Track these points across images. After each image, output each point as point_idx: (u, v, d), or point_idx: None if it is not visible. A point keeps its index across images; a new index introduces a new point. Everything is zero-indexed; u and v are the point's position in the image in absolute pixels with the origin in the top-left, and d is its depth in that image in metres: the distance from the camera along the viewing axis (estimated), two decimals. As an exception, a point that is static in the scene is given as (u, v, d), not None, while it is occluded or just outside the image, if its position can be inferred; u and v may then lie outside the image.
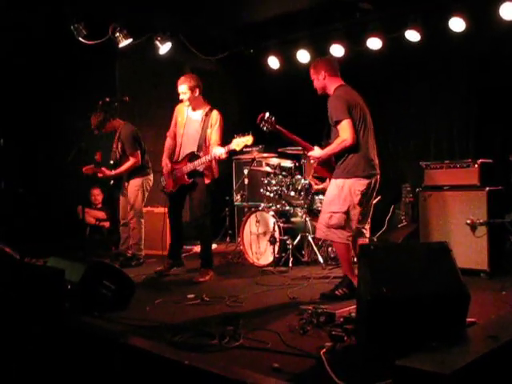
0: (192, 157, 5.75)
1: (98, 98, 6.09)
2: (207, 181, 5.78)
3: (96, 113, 6.43)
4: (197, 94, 5.83)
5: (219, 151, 5.53)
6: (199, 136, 5.79)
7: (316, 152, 4.94)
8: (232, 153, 8.38)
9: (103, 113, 6.39)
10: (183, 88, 5.79)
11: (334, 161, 4.80)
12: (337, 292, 4.64)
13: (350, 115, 4.63)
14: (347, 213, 4.63)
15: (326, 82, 4.92)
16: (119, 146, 6.70)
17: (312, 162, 5.32)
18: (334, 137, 4.76)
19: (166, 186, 6.01)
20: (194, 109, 5.90)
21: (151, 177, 6.85)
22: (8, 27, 6.75)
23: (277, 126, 5.17)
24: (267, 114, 5.14)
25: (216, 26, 8.30)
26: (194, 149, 5.78)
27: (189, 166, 5.73)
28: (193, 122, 5.89)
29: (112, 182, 6.82)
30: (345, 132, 4.59)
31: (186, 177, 5.76)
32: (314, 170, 5.21)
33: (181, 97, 5.84)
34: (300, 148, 6.57)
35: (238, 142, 5.48)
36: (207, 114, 5.82)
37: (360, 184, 4.63)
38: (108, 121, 6.49)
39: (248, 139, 5.48)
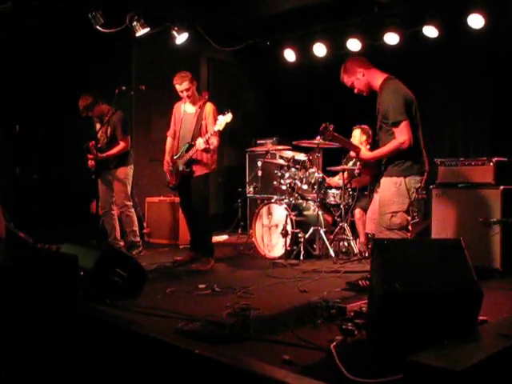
0: (188, 147, 5.90)
1: (115, 86, 6.09)
2: (204, 171, 5.90)
3: (84, 96, 6.35)
4: (195, 87, 5.99)
5: (198, 142, 5.69)
6: (193, 128, 5.91)
7: (366, 154, 4.62)
8: (245, 145, 8.44)
9: (92, 96, 6.34)
10: (186, 85, 5.87)
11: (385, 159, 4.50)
12: (360, 282, 4.63)
13: (408, 114, 4.34)
14: (407, 212, 4.40)
15: (367, 78, 4.57)
16: (108, 131, 6.46)
17: (357, 163, 4.87)
18: (385, 135, 4.46)
19: (169, 181, 6.15)
20: (192, 103, 6.01)
21: (132, 166, 6.65)
22: (25, 14, 6.78)
23: (335, 134, 4.70)
24: (329, 125, 4.61)
25: (233, 17, 8.32)
26: (190, 140, 5.92)
27: (185, 157, 5.88)
28: (188, 115, 6.04)
29: (93, 167, 6.47)
30: (403, 135, 4.28)
31: (184, 167, 5.91)
32: (360, 171, 4.79)
33: (184, 94, 5.92)
34: (315, 142, 6.58)
35: (221, 123, 5.60)
36: (201, 107, 5.95)
37: (416, 181, 4.42)
38: (96, 104, 6.38)
39: (228, 116, 5.61)
